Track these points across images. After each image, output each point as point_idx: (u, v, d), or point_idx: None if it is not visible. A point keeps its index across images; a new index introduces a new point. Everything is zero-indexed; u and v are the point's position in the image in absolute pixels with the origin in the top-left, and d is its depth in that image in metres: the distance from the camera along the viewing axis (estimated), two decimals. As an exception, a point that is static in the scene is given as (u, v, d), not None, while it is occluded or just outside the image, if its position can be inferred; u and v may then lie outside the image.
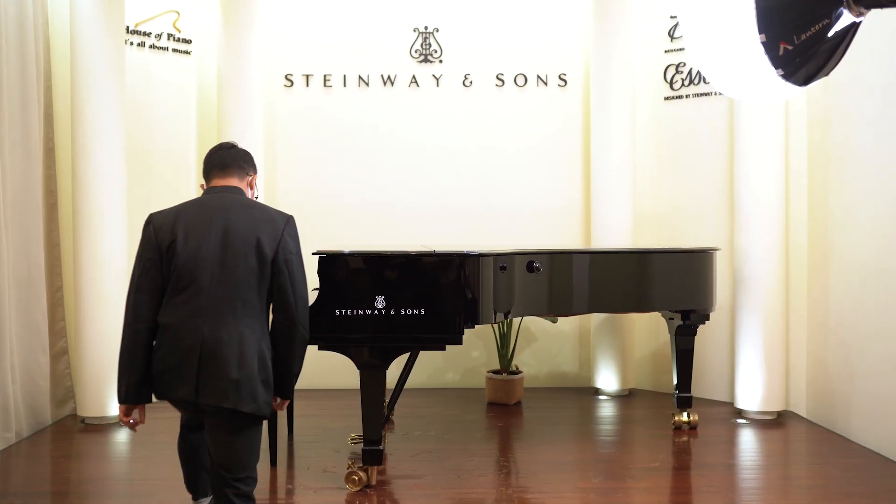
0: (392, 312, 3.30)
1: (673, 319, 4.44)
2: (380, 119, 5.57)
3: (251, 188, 2.69)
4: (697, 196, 5.25)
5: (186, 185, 5.26)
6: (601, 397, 5.30)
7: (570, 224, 5.62)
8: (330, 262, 3.32)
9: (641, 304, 4.21)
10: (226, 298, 2.39)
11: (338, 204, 5.53)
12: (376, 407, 3.43)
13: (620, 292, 4.11)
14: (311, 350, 3.69)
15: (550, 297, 3.86)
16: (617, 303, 4.14)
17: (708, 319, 4.36)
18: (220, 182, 2.61)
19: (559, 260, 3.93)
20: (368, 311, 3.29)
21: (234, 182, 2.61)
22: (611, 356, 5.32)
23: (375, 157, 5.57)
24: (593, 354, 5.45)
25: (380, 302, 3.30)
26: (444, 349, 3.42)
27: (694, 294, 4.26)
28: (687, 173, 5.31)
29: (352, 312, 3.29)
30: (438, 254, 3.34)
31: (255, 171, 2.72)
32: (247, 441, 2.43)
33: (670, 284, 4.20)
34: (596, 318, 5.40)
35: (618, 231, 5.26)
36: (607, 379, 5.34)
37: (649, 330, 5.54)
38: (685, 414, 4.46)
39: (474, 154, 5.59)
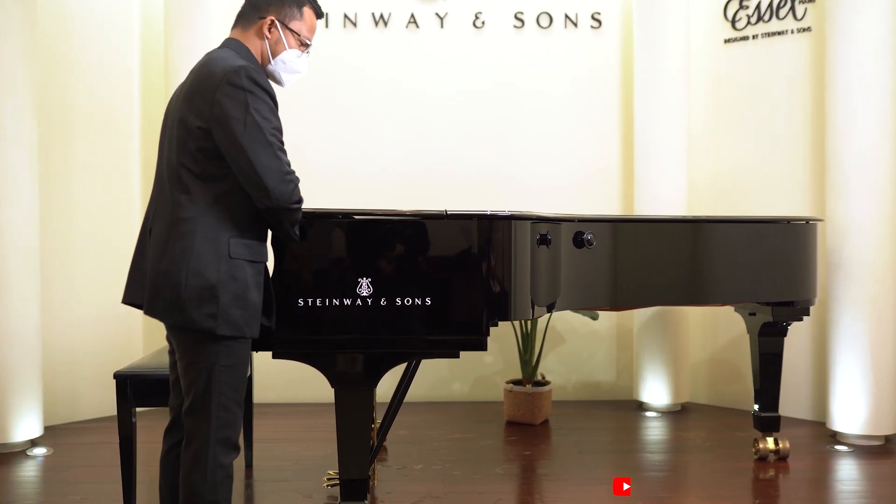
0: (383, 303, 2.21)
1: (755, 315, 3.36)
2: (370, 68, 4.48)
3: (264, 37, 2.05)
4: (768, 159, 4.17)
5: (126, 143, 4.17)
6: (648, 414, 4.21)
7: (605, 193, 4.52)
8: (290, 227, 2.23)
9: (715, 294, 3.09)
10: (167, 184, 1.97)
11: (317, 169, 4.35)
12: (359, 439, 2.33)
13: (697, 277, 3.01)
14: (269, 357, 2.64)
15: (615, 282, 2.75)
16: (691, 291, 3.02)
17: (807, 314, 3.26)
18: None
19: (627, 231, 2.83)
20: (348, 301, 2.21)
21: (234, 34, 2.08)
22: (660, 362, 4.23)
23: (365, 115, 4.47)
24: (637, 360, 4.36)
25: (364, 287, 2.21)
26: (457, 356, 2.34)
27: (793, 280, 3.16)
28: (754, 131, 4.23)
29: (322, 303, 2.20)
30: (452, 216, 2.25)
31: (274, 8, 2.05)
32: (182, 361, 1.97)
33: (762, 266, 3.11)
34: (640, 315, 4.32)
35: (669, 201, 4.17)
36: (655, 391, 4.25)
37: (704, 328, 4.45)
38: (771, 440, 3.38)
39: (486, 111, 4.49)
